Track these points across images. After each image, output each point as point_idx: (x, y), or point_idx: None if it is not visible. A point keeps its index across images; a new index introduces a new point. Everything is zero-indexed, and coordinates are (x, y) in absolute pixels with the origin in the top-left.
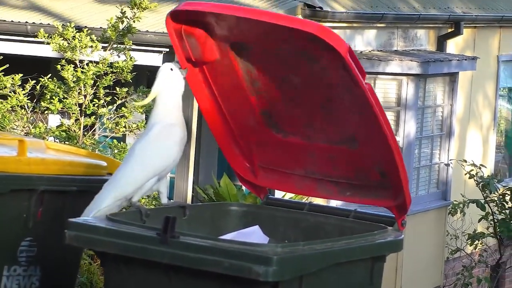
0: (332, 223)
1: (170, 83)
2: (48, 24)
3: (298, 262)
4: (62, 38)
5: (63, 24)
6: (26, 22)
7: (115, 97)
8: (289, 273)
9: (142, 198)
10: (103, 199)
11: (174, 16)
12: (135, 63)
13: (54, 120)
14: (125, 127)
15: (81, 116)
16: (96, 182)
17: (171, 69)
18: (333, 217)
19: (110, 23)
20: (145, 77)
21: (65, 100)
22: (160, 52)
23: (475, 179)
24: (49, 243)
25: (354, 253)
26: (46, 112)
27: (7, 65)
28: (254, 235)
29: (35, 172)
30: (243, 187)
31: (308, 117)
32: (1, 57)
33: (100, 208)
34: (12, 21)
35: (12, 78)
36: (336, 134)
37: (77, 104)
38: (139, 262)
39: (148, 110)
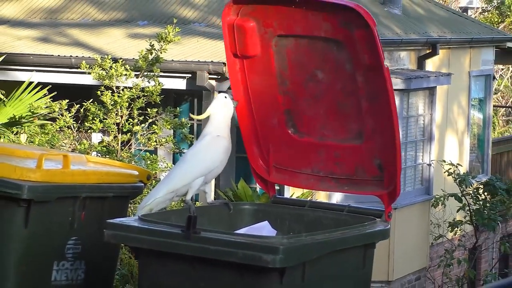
0: (329, 217)
1: (223, 107)
2: (89, 57)
3: (301, 251)
4: (101, 69)
5: (101, 57)
6: (71, 56)
7: (146, 117)
8: (293, 260)
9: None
10: (158, 191)
11: (229, 9)
12: (162, 87)
13: (96, 137)
14: (156, 141)
15: (118, 133)
16: (129, 188)
17: (225, 97)
18: (330, 212)
19: (141, 54)
20: (171, 99)
21: (105, 120)
22: (184, 77)
23: (453, 176)
24: (91, 241)
25: (349, 241)
26: (89, 131)
27: (55, 93)
28: (264, 229)
29: (77, 182)
30: (257, 189)
31: (325, 117)
32: (50, 86)
33: (155, 197)
34: (58, 55)
35: (60, 103)
36: (345, 132)
37: (115, 124)
38: (167, 255)
39: (175, 127)
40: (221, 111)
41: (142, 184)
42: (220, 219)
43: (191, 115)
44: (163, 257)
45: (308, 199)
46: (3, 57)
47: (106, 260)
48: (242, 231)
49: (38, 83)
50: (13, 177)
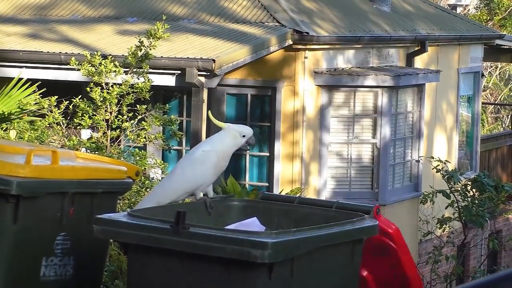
0: (318, 213)
1: (236, 137)
2: (79, 53)
3: (289, 246)
4: (90, 65)
5: (91, 53)
6: (60, 52)
7: (136, 113)
8: (282, 256)
9: None
10: (147, 201)
11: None
12: (152, 84)
13: (85, 134)
14: (145, 138)
15: (108, 130)
16: (118, 184)
17: (243, 136)
18: (319, 208)
19: (130, 51)
20: (161, 95)
21: (94, 116)
22: (173, 74)
23: (441, 173)
24: (80, 237)
25: (337, 237)
26: (78, 127)
27: (45, 89)
28: (252, 225)
29: (66, 178)
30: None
31: None
32: (40, 82)
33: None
34: (48, 52)
35: (49, 99)
36: None
37: (104, 120)
38: (156, 250)
39: (164, 123)
40: (232, 137)
41: (131, 180)
42: (209, 215)
43: (209, 114)
44: (152, 252)
45: (297, 195)
46: None
47: (95, 255)
48: (231, 227)
49: (28, 80)
50: (1, 172)
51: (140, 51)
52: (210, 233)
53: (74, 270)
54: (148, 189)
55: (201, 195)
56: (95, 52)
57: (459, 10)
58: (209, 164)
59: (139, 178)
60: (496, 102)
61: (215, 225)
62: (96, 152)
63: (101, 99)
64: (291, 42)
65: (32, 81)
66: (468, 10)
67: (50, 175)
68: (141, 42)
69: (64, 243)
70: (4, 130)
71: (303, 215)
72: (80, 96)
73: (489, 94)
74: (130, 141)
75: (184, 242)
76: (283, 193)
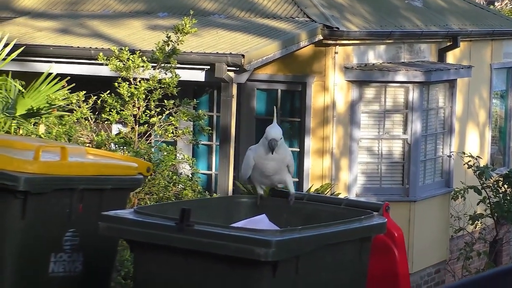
0: (327, 210)
1: (264, 139)
2: (108, 48)
3: (294, 244)
4: (118, 60)
5: (120, 48)
6: (90, 47)
7: (163, 108)
8: (286, 254)
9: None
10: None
11: None
12: (182, 79)
13: (116, 129)
14: (172, 133)
15: (135, 125)
16: (128, 181)
17: (266, 138)
18: (328, 205)
19: (158, 46)
20: (191, 90)
21: (122, 112)
22: (202, 69)
23: (473, 168)
24: (89, 233)
25: (344, 235)
26: (106, 122)
27: (74, 84)
28: (261, 222)
29: (75, 174)
30: None
31: None
32: (69, 77)
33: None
34: (78, 47)
35: (77, 95)
36: None
37: (132, 115)
38: (161, 247)
39: (192, 118)
40: (263, 138)
41: (142, 177)
42: (219, 212)
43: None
44: (157, 249)
45: (327, 191)
46: (23, 48)
47: (105, 252)
48: (239, 224)
49: (58, 75)
50: (10, 168)
51: (168, 47)
52: (214, 231)
53: (83, 267)
54: (176, 184)
55: (260, 189)
56: (124, 47)
57: (496, 5)
58: (246, 160)
59: (150, 174)
60: None
61: (224, 222)
62: (124, 147)
63: (129, 94)
64: (321, 38)
65: (62, 76)
66: (506, 4)
67: (58, 171)
68: (169, 37)
69: (73, 240)
70: (33, 125)
71: (312, 212)
72: (108, 91)
73: None
74: (158, 136)
75: (188, 239)
76: (312, 189)
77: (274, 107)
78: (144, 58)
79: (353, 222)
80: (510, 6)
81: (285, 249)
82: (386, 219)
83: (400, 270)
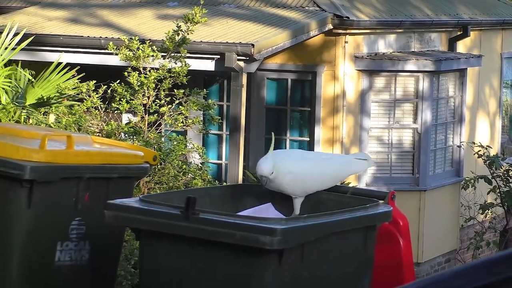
0: (333, 199)
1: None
2: (118, 38)
3: (299, 233)
4: (128, 50)
5: (130, 38)
6: (100, 37)
7: (173, 98)
8: (291, 242)
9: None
10: None
11: None
12: (191, 68)
13: (126, 118)
14: (182, 122)
15: (145, 114)
16: (134, 169)
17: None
18: (333, 194)
19: (168, 35)
20: (201, 80)
21: (131, 101)
22: (212, 59)
23: (483, 158)
24: (96, 221)
25: (349, 223)
26: (116, 112)
27: (84, 74)
28: (267, 211)
29: (81, 163)
30: None
31: None
32: (79, 67)
33: None
34: (88, 36)
35: (87, 84)
36: None
37: (142, 105)
38: (166, 235)
39: (202, 108)
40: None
41: (148, 165)
42: (225, 201)
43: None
44: (163, 238)
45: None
46: (33, 37)
47: (111, 240)
48: (245, 212)
49: (68, 64)
50: (16, 157)
51: (178, 36)
52: (219, 219)
53: (90, 255)
54: (186, 174)
55: None
56: (133, 37)
57: None
58: None
59: (156, 163)
60: None
61: (230, 210)
62: (134, 137)
63: (139, 83)
64: (331, 27)
65: (72, 66)
66: None
67: (64, 160)
68: (179, 27)
69: (79, 228)
70: (43, 114)
71: (317, 200)
72: (118, 81)
73: None
74: (168, 126)
75: (193, 227)
76: None
77: (272, 133)
78: (154, 47)
79: (358, 210)
80: None
81: (290, 237)
82: (391, 208)
83: (405, 259)
